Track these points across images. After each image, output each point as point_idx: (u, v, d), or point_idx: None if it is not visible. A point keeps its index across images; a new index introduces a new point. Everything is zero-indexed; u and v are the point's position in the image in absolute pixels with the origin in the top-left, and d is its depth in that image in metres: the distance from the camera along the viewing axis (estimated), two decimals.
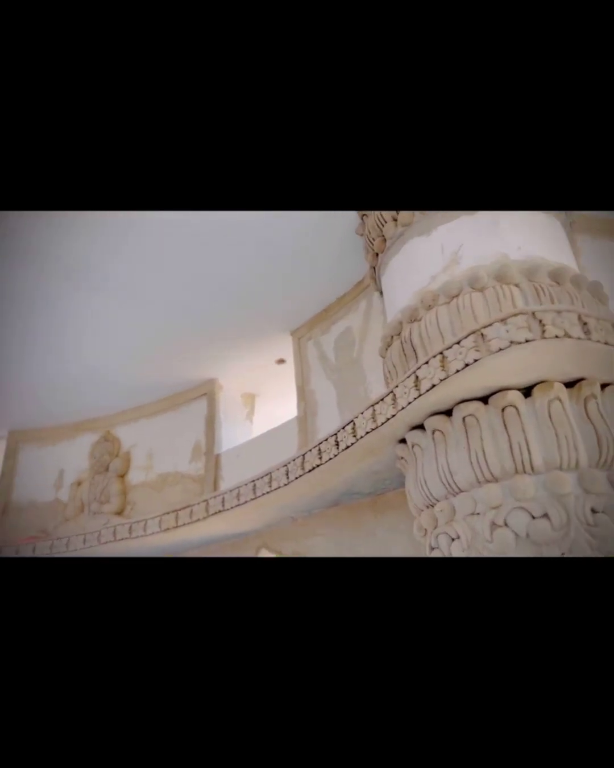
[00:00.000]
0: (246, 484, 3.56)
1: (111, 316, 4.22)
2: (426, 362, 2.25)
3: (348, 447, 2.81)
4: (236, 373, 4.96)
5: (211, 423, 4.80)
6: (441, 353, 2.19)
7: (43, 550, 4.51)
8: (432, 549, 2.37)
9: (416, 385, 2.29)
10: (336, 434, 2.92)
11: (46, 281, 3.80)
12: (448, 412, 2.34)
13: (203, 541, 4.18)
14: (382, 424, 2.54)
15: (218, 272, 3.79)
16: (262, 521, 3.86)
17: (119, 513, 4.90)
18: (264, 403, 5.36)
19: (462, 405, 2.27)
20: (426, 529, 2.46)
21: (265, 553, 4.00)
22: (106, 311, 4.16)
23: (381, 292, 3.19)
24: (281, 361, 4.75)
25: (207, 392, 4.94)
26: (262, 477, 3.49)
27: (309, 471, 3.14)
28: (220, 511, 3.63)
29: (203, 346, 4.61)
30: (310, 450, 3.15)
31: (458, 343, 2.13)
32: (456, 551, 2.21)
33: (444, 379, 2.15)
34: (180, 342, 4.56)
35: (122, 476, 5.13)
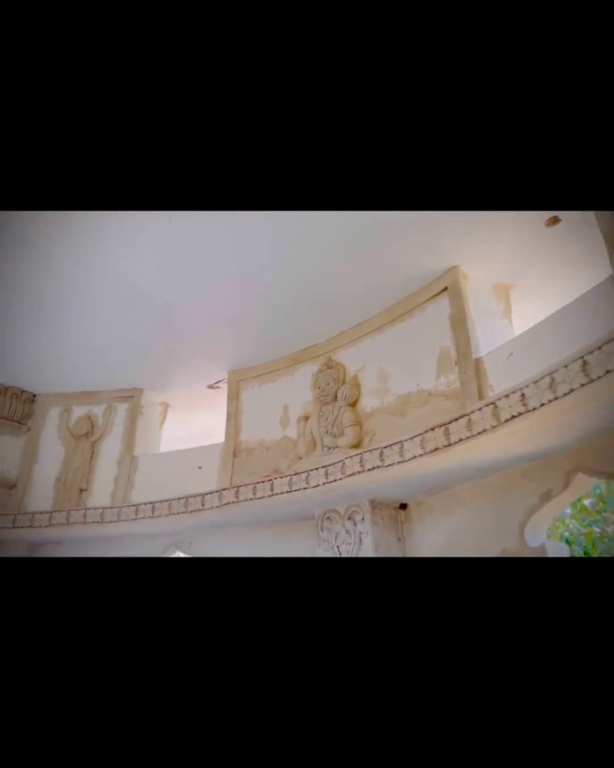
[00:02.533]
0: (557, 370, 2.28)
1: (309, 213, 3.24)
2: None
3: None
4: (483, 256, 3.63)
5: (459, 322, 3.58)
6: None
7: (281, 487, 3.82)
8: None
9: None
10: None
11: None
12: None
13: (483, 465, 3.00)
14: None
15: None
16: (578, 432, 2.55)
17: (356, 445, 4.01)
18: (522, 299, 3.95)
19: None
20: None
21: (581, 479, 2.69)
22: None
23: None
24: (553, 221, 3.30)
25: (448, 285, 3.71)
26: (585, 355, 2.18)
27: None
28: (519, 415, 2.41)
29: (437, 222, 3.38)
30: None
31: None
32: None
33: None
34: (403, 222, 3.39)
35: (353, 405, 4.23)
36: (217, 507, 4.14)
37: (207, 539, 4.61)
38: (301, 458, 4.36)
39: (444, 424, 2.80)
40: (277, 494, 3.86)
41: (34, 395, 5.79)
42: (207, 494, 4.21)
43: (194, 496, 4.27)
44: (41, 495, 5.33)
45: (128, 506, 4.55)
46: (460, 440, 2.69)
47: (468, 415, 2.67)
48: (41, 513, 4.83)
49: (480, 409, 2.61)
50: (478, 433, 2.61)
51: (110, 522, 4.55)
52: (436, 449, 2.83)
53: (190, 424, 6.30)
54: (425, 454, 2.90)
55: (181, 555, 4.76)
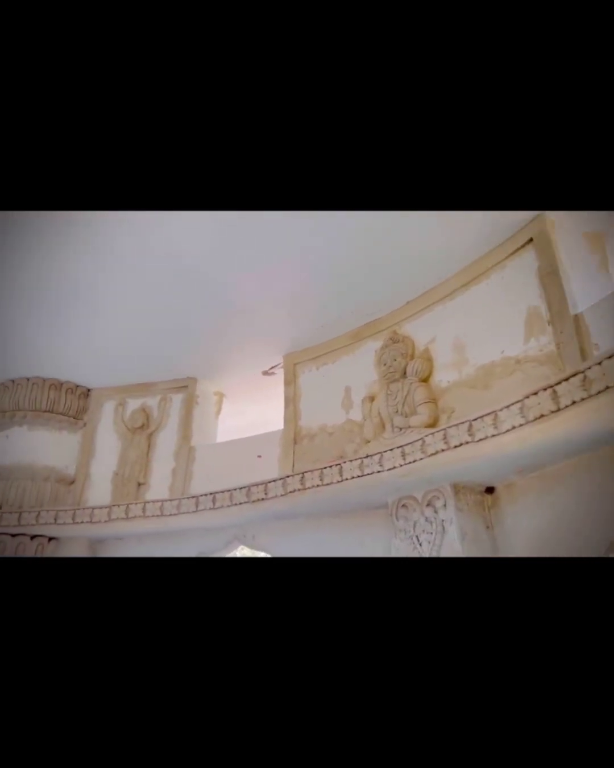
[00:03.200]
0: None
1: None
2: None
3: None
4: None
5: (550, 276, 3.10)
6: None
7: (351, 471, 3.46)
8: None
9: None
10: None
11: None
12: None
13: (596, 435, 2.51)
14: None
15: None
16: None
17: (431, 425, 3.59)
18: None
19: None
20: None
21: None
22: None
23: None
24: None
25: (533, 236, 3.24)
26: None
27: None
28: None
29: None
30: None
31: None
32: None
33: None
34: None
35: (425, 380, 3.81)
36: (282, 496, 3.82)
37: (271, 532, 4.31)
38: (368, 442, 3.98)
39: (551, 386, 2.35)
40: (346, 480, 3.50)
41: (89, 390, 5.67)
42: (270, 482, 3.90)
43: (257, 484, 3.97)
44: (99, 490, 5.19)
45: (188, 498, 4.31)
46: (573, 403, 2.24)
47: (582, 372, 2.21)
48: (100, 508, 4.67)
49: (599, 363, 2.14)
50: (596, 393, 2.15)
51: (170, 515, 4.32)
52: (541, 417, 2.38)
53: (246, 414, 6.05)
54: (526, 423, 2.46)
55: (245, 549, 4.49)
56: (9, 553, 4.82)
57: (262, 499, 3.89)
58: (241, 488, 4.03)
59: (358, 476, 3.39)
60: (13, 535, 4.87)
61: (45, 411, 5.38)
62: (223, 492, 4.11)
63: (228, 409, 5.83)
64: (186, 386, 5.38)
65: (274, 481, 3.88)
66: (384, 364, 4.04)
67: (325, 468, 3.62)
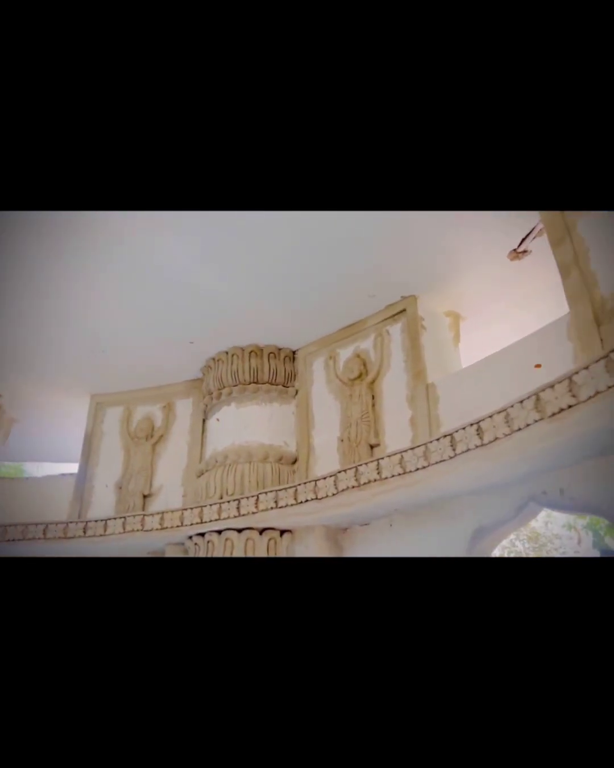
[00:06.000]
0: None
1: None
2: None
3: None
4: None
5: None
6: None
7: None
8: None
9: None
10: None
11: None
12: None
13: None
14: None
15: None
16: None
17: None
18: None
19: None
20: None
21: None
22: None
23: None
24: None
25: None
26: None
27: None
28: None
29: None
30: None
31: None
32: None
33: None
34: None
35: None
36: (606, 390, 2.03)
37: (593, 477, 2.49)
38: None
39: None
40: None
41: (294, 351, 4.71)
42: (575, 374, 2.14)
43: (551, 385, 2.25)
44: (328, 463, 4.05)
45: (438, 439, 2.80)
46: None
47: None
48: (324, 478, 3.49)
49: None
50: None
51: (417, 470, 2.87)
52: None
53: (495, 336, 4.30)
54: None
55: (550, 514, 2.72)
56: (237, 552, 3.97)
57: (569, 406, 2.14)
58: (523, 400, 2.35)
59: None
60: (239, 531, 4.01)
61: (250, 382, 4.57)
62: (492, 415, 2.49)
63: (469, 335, 4.21)
64: (403, 310, 3.97)
65: (584, 369, 2.11)
66: None
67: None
